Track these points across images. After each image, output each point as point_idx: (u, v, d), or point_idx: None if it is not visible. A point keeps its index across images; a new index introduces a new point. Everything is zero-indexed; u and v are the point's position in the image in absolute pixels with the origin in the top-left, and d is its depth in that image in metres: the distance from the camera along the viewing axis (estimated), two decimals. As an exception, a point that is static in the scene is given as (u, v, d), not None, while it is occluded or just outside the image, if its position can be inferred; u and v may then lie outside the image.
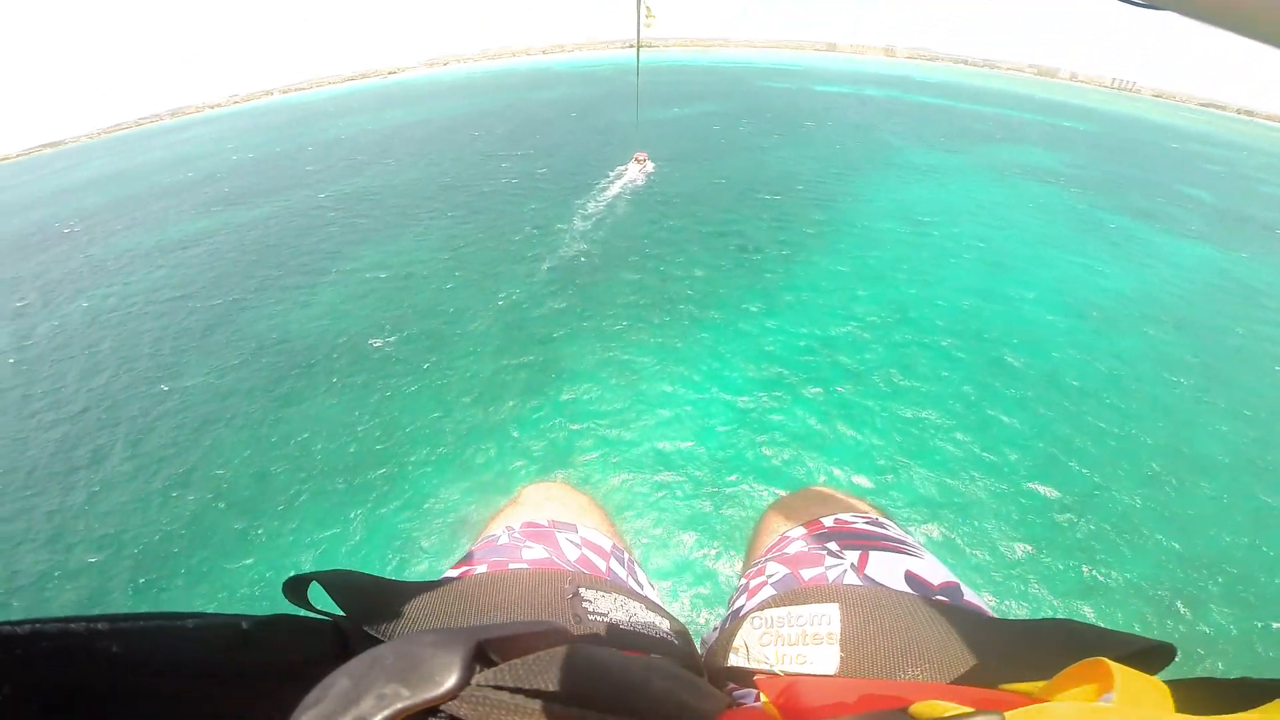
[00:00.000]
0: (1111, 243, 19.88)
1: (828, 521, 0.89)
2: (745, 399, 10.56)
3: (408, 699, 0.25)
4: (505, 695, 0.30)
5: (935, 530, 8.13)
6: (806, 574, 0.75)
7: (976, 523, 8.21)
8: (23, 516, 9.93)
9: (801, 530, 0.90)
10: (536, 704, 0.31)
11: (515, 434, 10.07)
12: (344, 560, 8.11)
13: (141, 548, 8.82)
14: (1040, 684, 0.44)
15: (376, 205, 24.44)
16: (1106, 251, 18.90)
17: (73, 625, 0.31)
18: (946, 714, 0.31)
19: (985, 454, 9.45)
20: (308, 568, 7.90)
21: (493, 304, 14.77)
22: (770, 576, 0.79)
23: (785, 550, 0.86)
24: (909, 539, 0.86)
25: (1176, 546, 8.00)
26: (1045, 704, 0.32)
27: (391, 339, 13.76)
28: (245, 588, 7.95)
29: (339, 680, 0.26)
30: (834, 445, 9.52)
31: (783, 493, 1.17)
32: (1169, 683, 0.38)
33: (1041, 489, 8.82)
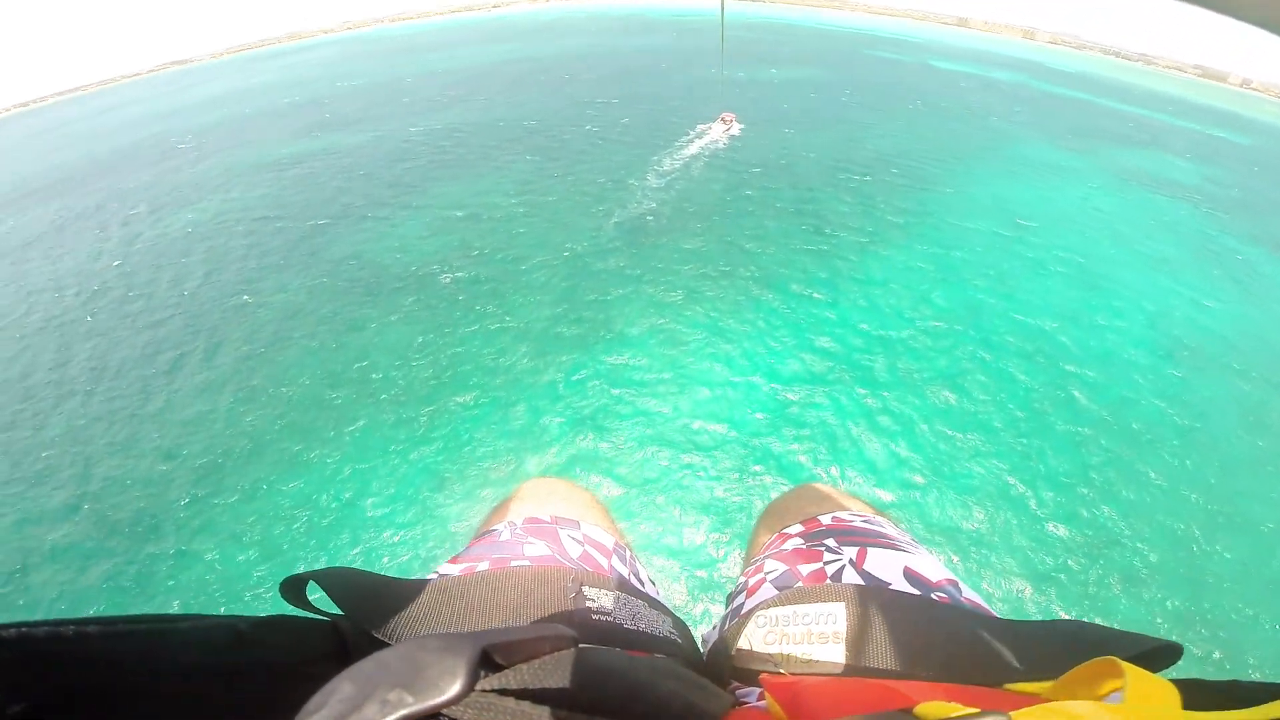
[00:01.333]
0: (1233, 278, 17.61)
1: (825, 519, 0.90)
2: (787, 390, 10.28)
3: (412, 705, 0.25)
4: (510, 702, 0.30)
5: (939, 553, 7.87)
6: (805, 570, 0.76)
7: (984, 553, 7.89)
8: (105, 419, 10.92)
9: (799, 527, 0.91)
10: (544, 710, 0.31)
11: (560, 389, 10.27)
12: (381, 493, 8.65)
13: (204, 461, 9.56)
14: (1048, 684, 0.44)
15: (461, 142, 24.96)
16: (1223, 286, 16.77)
17: (62, 629, 0.31)
18: (951, 715, 0.31)
19: (1017, 486, 8.94)
20: (349, 496, 8.58)
21: (558, 254, 14.92)
22: (769, 574, 0.80)
23: (783, 547, 0.86)
24: (905, 536, 0.87)
25: (1176, 605, 7.57)
26: (1052, 704, 0.32)
27: (459, 275, 14.23)
28: (291, 508, 8.56)
29: (342, 685, 0.26)
30: (866, 450, 9.21)
31: (788, 488, 1.15)
32: (1178, 681, 0.38)
33: (1062, 531, 8.35)
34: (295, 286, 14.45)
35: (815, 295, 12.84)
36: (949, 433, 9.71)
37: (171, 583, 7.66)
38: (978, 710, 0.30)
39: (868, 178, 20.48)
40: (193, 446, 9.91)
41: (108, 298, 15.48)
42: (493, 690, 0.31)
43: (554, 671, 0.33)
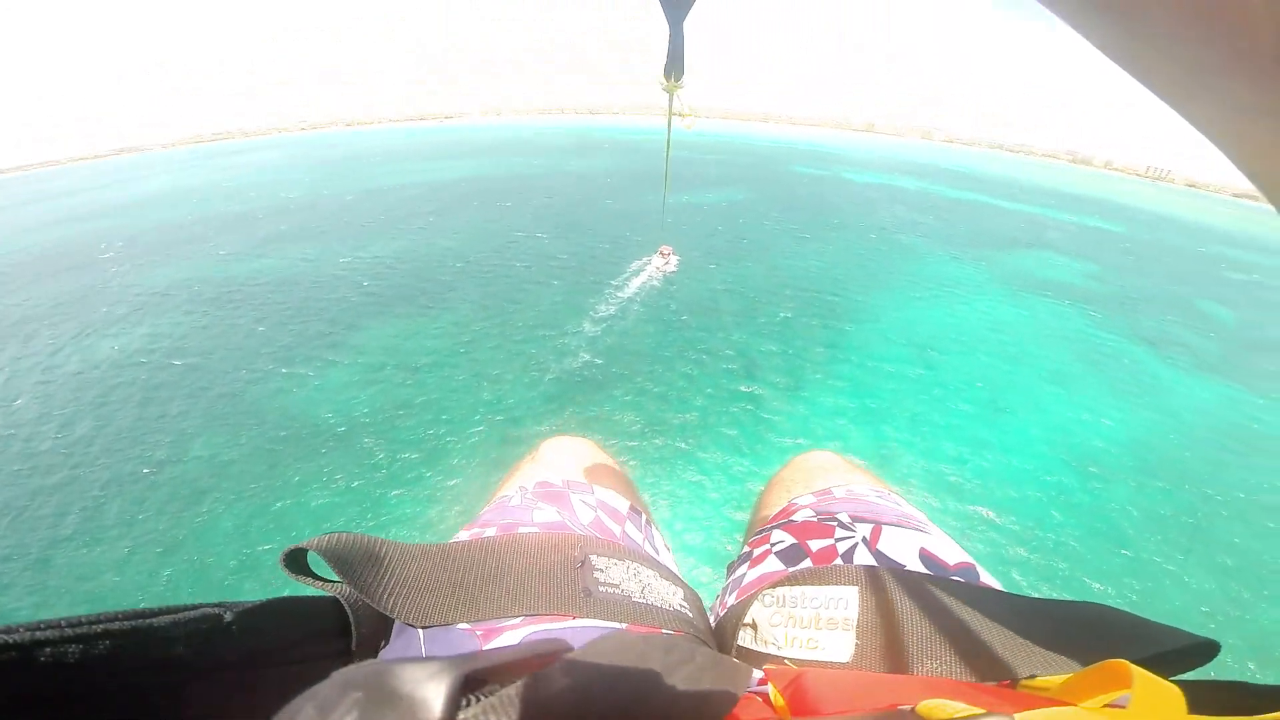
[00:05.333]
0: (1119, 381, 19.63)
1: (838, 491, 0.86)
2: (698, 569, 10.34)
3: None
4: None
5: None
6: (815, 546, 0.73)
7: None
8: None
9: (810, 498, 0.87)
10: None
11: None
12: None
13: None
14: (1059, 681, 0.45)
15: (397, 278, 24.96)
16: (1113, 393, 18.63)
17: (10, 636, 0.30)
18: (955, 715, 0.31)
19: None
20: None
21: (490, 416, 14.90)
22: (775, 545, 0.77)
23: (793, 518, 0.83)
24: (921, 515, 0.83)
25: None
26: (1055, 709, 0.33)
27: (383, 440, 13.90)
28: None
29: (305, 708, 0.24)
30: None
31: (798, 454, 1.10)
32: (1184, 683, 0.39)
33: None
34: (198, 449, 13.80)
35: (734, 466, 13.20)
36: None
37: None
38: (983, 710, 0.30)
39: (789, 314, 21.79)
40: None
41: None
42: None
43: (544, 690, 0.30)
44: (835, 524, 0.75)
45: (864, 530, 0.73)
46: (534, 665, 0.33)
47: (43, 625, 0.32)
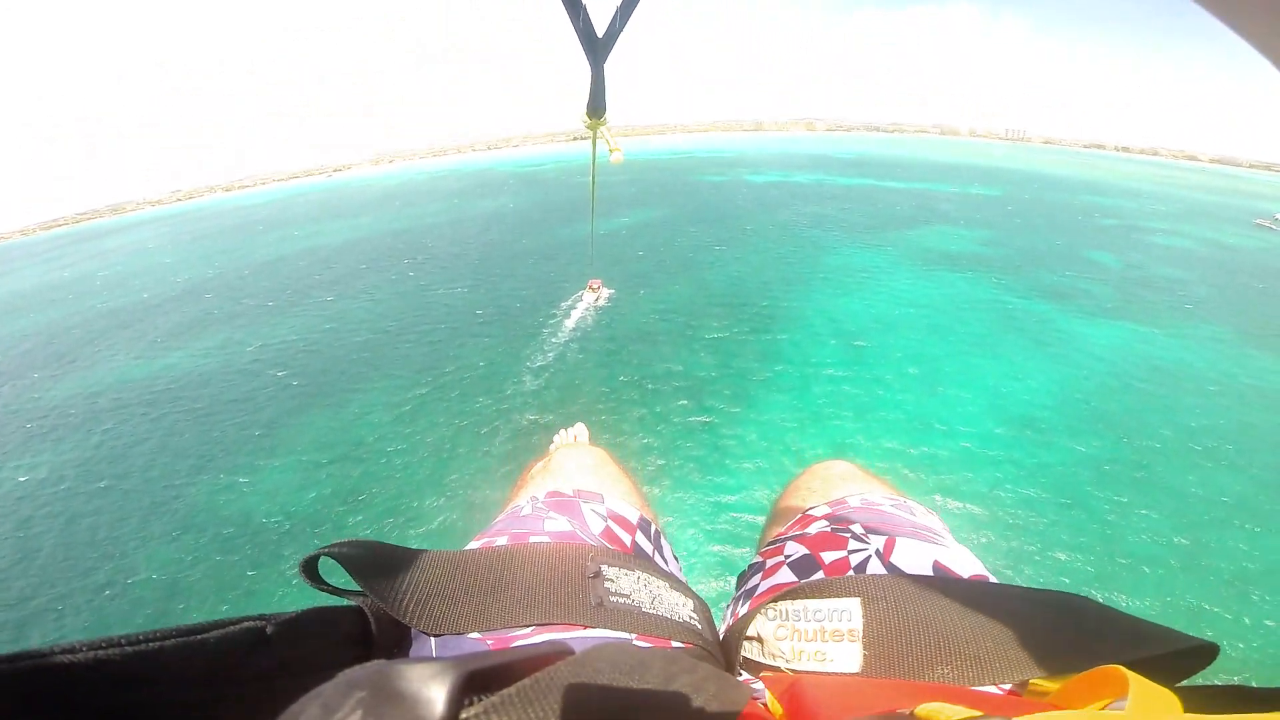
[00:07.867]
0: (1038, 339, 21.30)
1: (854, 502, 0.86)
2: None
3: None
4: None
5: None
6: (828, 557, 0.73)
7: None
8: None
9: (825, 509, 0.87)
10: None
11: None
12: None
13: None
14: (1058, 684, 0.46)
15: (314, 363, 23.12)
16: (1035, 353, 20.15)
17: (77, 656, 0.31)
18: (953, 719, 0.32)
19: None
20: None
21: (446, 494, 14.22)
22: (788, 556, 0.77)
23: (806, 530, 0.83)
24: (936, 526, 0.83)
25: None
26: (1052, 713, 0.33)
27: (348, 531, 13.16)
28: None
29: (309, 708, 0.25)
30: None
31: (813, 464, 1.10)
32: (1181, 688, 0.40)
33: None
34: (145, 569, 12.82)
35: (704, 502, 13.27)
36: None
37: None
38: (980, 713, 0.31)
39: (724, 334, 22.06)
40: None
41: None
42: None
43: (545, 695, 0.31)
44: (849, 536, 0.76)
45: (878, 542, 0.73)
46: (536, 666, 0.33)
47: (103, 643, 0.33)
